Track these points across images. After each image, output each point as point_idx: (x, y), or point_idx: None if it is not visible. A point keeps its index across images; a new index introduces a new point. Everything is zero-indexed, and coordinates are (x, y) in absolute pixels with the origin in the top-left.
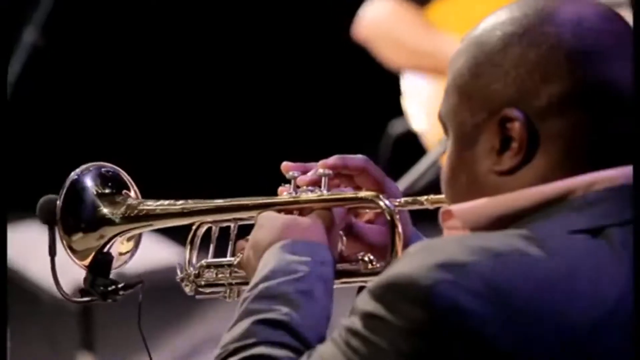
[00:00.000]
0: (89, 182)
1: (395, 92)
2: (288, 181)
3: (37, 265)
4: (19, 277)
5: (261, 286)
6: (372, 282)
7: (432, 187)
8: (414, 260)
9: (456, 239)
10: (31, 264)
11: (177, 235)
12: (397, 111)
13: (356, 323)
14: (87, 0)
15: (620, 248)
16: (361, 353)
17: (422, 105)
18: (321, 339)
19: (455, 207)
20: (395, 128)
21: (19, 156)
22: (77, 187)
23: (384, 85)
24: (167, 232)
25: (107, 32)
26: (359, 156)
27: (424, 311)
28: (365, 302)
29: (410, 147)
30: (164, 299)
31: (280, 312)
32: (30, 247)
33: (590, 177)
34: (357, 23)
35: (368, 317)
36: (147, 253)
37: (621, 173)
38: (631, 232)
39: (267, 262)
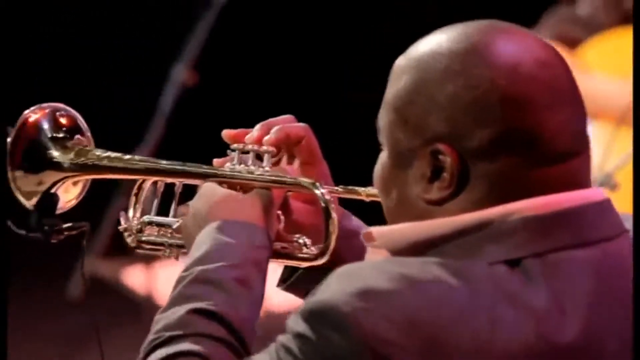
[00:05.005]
0: (43, 122)
1: None
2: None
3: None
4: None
5: (197, 270)
6: (302, 304)
7: None
8: (335, 286)
9: (376, 265)
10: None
11: None
12: None
13: (290, 341)
14: (236, 37)
15: (538, 279)
16: None
17: None
18: (253, 329)
19: (375, 230)
20: None
21: None
22: (31, 125)
23: None
24: None
25: (258, 68)
26: (300, 125)
27: (343, 338)
28: (296, 323)
29: None
30: None
31: (216, 302)
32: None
33: (504, 208)
34: None
35: (298, 337)
36: None
37: (532, 204)
38: (548, 263)
39: (203, 242)
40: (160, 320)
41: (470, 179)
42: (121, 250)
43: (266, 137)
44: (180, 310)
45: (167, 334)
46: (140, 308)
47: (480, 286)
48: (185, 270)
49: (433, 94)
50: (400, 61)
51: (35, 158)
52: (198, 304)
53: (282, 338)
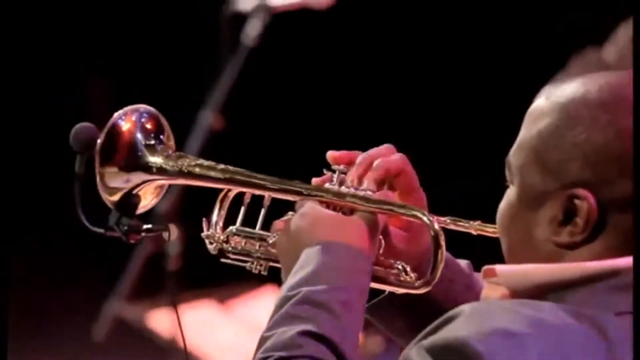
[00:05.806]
0: (133, 125)
1: None
2: (323, 169)
3: (212, 344)
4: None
5: (304, 290)
6: (426, 339)
7: None
8: (470, 324)
9: (506, 306)
10: (205, 343)
11: None
12: None
13: None
14: (264, 82)
15: None
16: None
17: None
18: (356, 356)
19: (500, 268)
20: None
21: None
22: (122, 128)
23: None
24: None
25: (286, 113)
26: (398, 158)
27: None
28: (422, 356)
29: None
30: None
31: (325, 326)
32: (204, 326)
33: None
34: None
35: None
36: None
37: None
38: None
39: (308, 262)
40: (268, 339)
41: (607, 226)
42: (147, 293)
43: (366, 177)
44: (290, 331)
45: (277, 354)
46: (165, 352)
47: (614, 337)
48: (291, 289)
49: (578, 141)
50: (542, 103)
51: (130, 158)
52: (307, 326)
53: None
